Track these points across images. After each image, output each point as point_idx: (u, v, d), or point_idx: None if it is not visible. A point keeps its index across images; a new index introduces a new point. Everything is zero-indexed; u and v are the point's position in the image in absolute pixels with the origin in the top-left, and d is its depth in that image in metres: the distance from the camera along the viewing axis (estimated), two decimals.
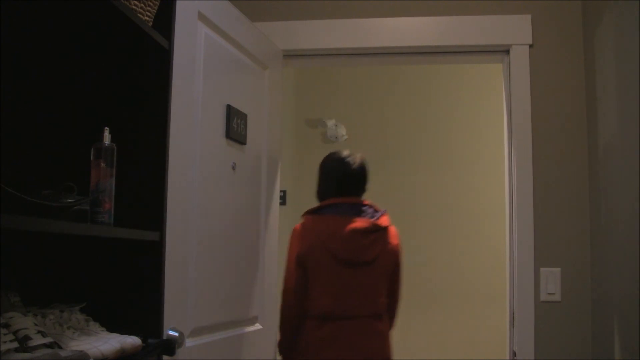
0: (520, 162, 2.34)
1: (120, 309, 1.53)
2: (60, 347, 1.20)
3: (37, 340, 1.16)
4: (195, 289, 1.74)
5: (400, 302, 2.53)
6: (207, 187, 1.83)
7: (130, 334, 1.39)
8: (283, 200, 3.60)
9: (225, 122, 1.94)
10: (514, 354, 2.29)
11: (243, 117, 2.05)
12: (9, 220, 0.99)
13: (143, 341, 1.44)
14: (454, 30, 2.42)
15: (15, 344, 1.13)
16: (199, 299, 1.76)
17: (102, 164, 1.37)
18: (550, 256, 2.30)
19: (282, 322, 2.33)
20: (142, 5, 1.49)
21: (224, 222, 1.93)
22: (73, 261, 1.58)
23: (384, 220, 2.38)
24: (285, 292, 2.34)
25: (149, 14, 1.53)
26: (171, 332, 1.56)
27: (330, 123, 4.08)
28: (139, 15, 1.47)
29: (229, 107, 1.95)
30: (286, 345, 2.36)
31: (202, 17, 1.81)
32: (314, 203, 2.52)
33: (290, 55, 2.53)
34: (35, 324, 1.21)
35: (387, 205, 3.98)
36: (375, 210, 2.41)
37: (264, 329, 2.19)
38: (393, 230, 2.44)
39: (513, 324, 2.31)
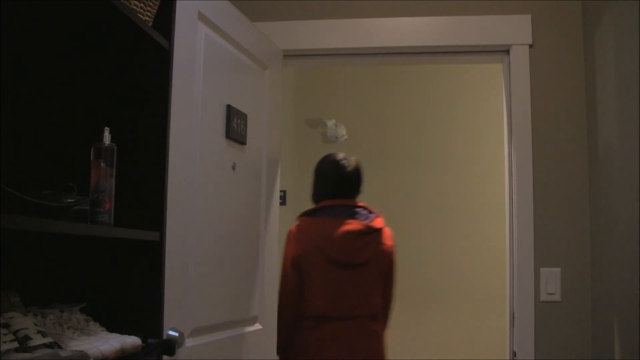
0: (520, 162, 2.34)
1: (120, 309, 1.53)
2: (60, 347, 1.20)
3: (37, 340, 1.16)
4: (195, 289, 1.74)
5: (393, 303, 2.55)
6: (207, 187, 1.83)
7: (130, 334, 1.39)
8: (283, 200, 3.60)
9: (225, 122, 1.94)
10: (514, 354, 2.29)
11: (243, 117, 2.05)
12: (9, 220, 0.99)
13: (143, 341, 1.44)
14: (454, 30, 2.42)
15: (15, 344, 1.13)
16: (199, 299, 1.76)
17: (102, 164, 1.37)
18: (550, 256, 2.30)
19: (279, 323, 2.34)
20: (142, 5, 1.49)
21: (224, 222, 1.93)
22: (73, 261, 1.58)
23: (377, 222, 2.41)
24: (281, 294, 2.37)
25: (149, 14, 1.53)
26: (171, 332, 1.56)
27: (330, 123, 4.08)
28: (139, 15, 1.47)
29: (229, 107, 1.95)
30: (283, 346, 2.37)
31: (202, 17, 1.81)
32: (313, 203, 2.53)
33: (290, 55, 2.53)
34: (35, 324, 1.21)
35: (387, 205, 4.02)
36: (370, 212, 2.45)
37: (264, 329, 2.19)
38: (387, 231, 2.46)
39: (513, 324, 2.31)
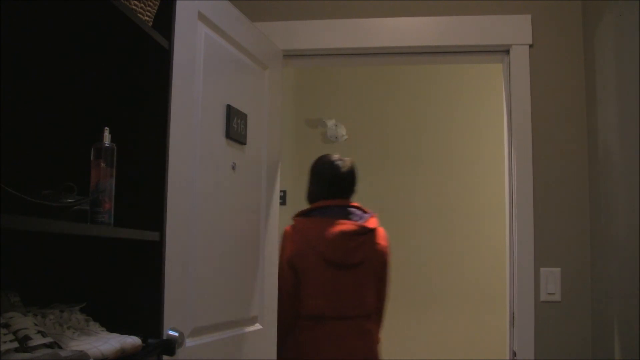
0: (520, 162, 2.34)
1: (120, 309, 1.53)
2: (60, 347, 1.20)
3: (37, 340, 1.16)
4: (195, 289, 1.74)
5: (387, 302, 2.58)
6: (207, 187, 1.83)
7: (130, 334, 1.39)
8: (283, 200, 3.60)
9: (225, 122, 1.94)
10: (514, 354, 2.29)
11: (243, 117, 2.05)
12: (9, 220, 0.99)
13: (143, 341, 1.44)
14: (454, 30, 2.42)
15: (15, 344, 1.13)
16: (199, 299, 1.76)
17: (102, 164, 1.37)
18: (550, 256, 2.30)
19: (277, 323, 2.34)
20: (142, 5, 1.49)
21: (224, 222, 1.93)
22: (73, 261, 1.58)
23: (371, 223, 2.43)
24: (277, 293, 2.37)
25: (149, 14, 1.53)
26: (171, 332, 1.56)
27: (330, 123, 4.08)
28: (139, 15, 1.47)
29: (229, 107, 1.95)
30: (280, 345, 2.38)
31: (202, 17, 1.81)
32: (308, 203, 2.55)
33: (290, 55, 2.53)
34: (35, 324, 1.21)
35: (387, 205, 4.02)
36: (364, 212, 2.47)
37: (264, 329, 2.19)
38: (381, 231, 2.49)
39: (513, 324, 2.31)
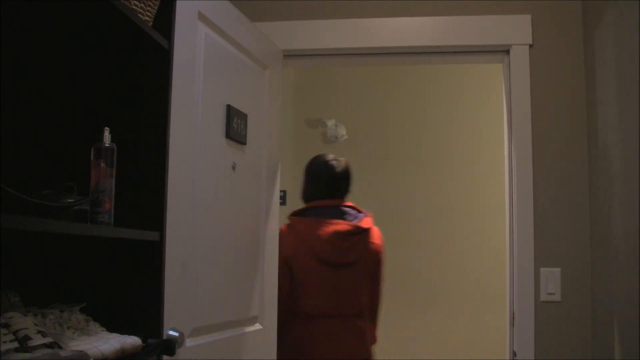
0: (520, 162, 2.34)
1: (120, 309, 1.53)
2: (60, 347, 1.20)
3: (37, 340, 1.16)
4: (195, 289, 1.74)
5: (382, 300, 2.59)
6: (207, 187, 1.83)
7: (130, 334, 1.39)
8: (283, 200, 3.60)
9: (225, 122, 1.94)
10: (514, 354, 2.29)
11: (243, 117, 2.05)
12: (9, 220, 0.99)
13: (143, 341, 1.44)
14: (454, 30, 2.42)
15: (15, 344, 1.13)
16: (199, 299, 1.76)
17: (102, 164, 1.37)
18: (550, 256, 2.30)
19: None
20: (142, 5, 1.49)
21: (224, 222, 1.93)
22: (73, 261, 1.58)
23: (366, 222, 2.45)
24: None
25: (149, 14, 1.53)
26: (171, 332, 1.56)
27: (330, 123, 4.08)
28: (139, 15, 1.47)
29: (229, 107, 1.95)
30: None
31: (202, 17, 1.81)
32: (303, 203, 2.56)
33: (290, 55, 2.53)
34: (35, 324, 1.21)
35: (387, 205, 4.02)
36: (359, 212, 2.50)
37: (264, 329, 2.19)
38: (376, 231, 2.52)
39: (513, 324, 2.31)
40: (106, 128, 1.40)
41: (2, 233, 1.36)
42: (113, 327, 1.45)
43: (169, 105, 1.60)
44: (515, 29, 2.39)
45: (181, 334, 1.57)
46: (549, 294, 2.28)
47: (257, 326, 2.16)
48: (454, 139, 4.03)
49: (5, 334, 1.13)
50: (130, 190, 1.54)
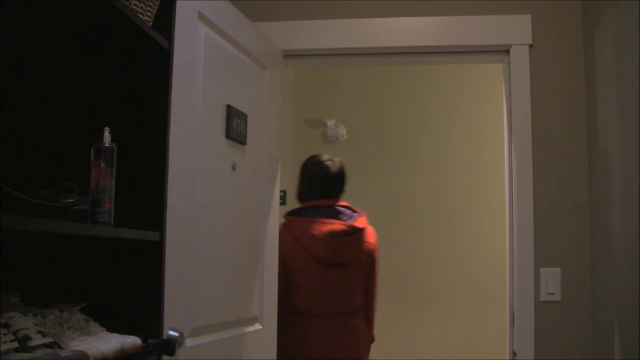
0: (520, 162, 2.34)
1: (120, 309, 1.53)
2: (60, 347, 1.20)
3: (37, 340, 1.16)
4: (195, 289, 1.74)
5: (377, 299, 2.61)
6: (207, 187, 1.83)
7: (130, 334, 1.39)
8: (283, 200, 3.60)
9: (225, 122, 1.94)
10: (514, 354, 2.29)
11: (243, 117, 2.05)
12: (9, 220, 0.99)
13: (143, 341, 1.44)
14: (454, 30, 2.42)
15: (15, 344, 1.13)
16: (199, 299, 1.76)
17: (102, 164, 1.37)
18: (550, 256, 2.30)
19: None
20: (142, 5, 1.49)
21: (224, 222, 1.93)
22: (73, 261, 1.58)
23: (360, 222, 2.48)
24: None
25: (149, 14, 1.53)
26: (171, 332, 1.56)
27: (330, 123, 4.08)
28: (139, 15, 1.47)
29: (229, 107, 1.95)
30: None
31: (202, 17, 1.81)
32: (299, 202, 2.58)
33: (290, 55, 2.53)
34: (35, 324, 1.21)
35: (387, 205, 4.02)
36: (353, 212, 2.53)
37: (263, 329, 2.19)
38: (370, 230, 2.55)
39: (513, 324, 2.31)
40: (106, 128, 1.40)
41: (2, 233, 1.36)
42: (113, 327, 1.45)
43: (169, 105, 1.60)
44: (515, 29, 2.39)
45: (181, 334, 1.57)
46: (549, 294, 2.28)
47: (257, 326, 2.16)
48: (454, 139, 4.03)
49: (5, 334, 1.13)
50: (130, 190, 1.54)
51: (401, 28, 2.45)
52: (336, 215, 2.47)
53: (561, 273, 2.29)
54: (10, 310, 1.23)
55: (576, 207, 2.31)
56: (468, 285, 3.90)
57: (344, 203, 2.54)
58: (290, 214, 2.54)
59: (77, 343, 1.27)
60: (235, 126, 1.99)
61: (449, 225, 3.97)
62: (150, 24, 1.55)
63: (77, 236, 1.52)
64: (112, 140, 1.40)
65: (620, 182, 1.97)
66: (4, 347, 1.10)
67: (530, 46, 2.39)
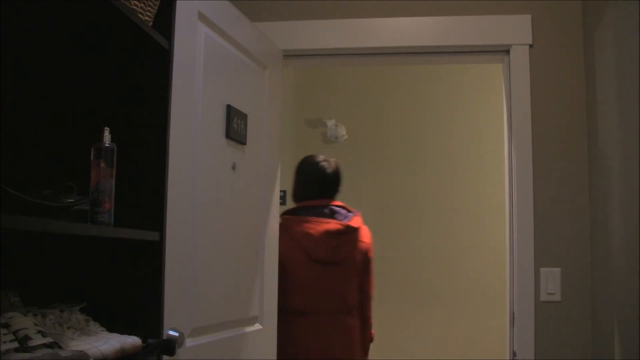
0: (520, 162, 2.34)
1: (120, 309, 1.53)
2: (60, 347, 1.20)
3: (37, 340, 1.16)
4: (195, 289, 1.74)
5: (372, 297, 2.62)
6: (207, 187, 1.83)
7: (130, 334, 1.39)
8: (283, 200, 3.60)
9: (225, 122, 1.94)
10: (514, 354, 2.29)
11: (243, 117, 2.05)
12: (9, 220, 0.99)
13: (143, 341, 1.44)
14: (454, 30, 2.42)
15: (15, 344, 1.13)
16: (199, 299, 1.76)
17: (102, 164, 1.37)
18: (550, 256, 2.30)
19: None
20: (142, 5, 1.49)
21: (224, 222, 1.93)
22: (73, 261, 1.58)
23: (355, 222, 2.51)
24: None
25: (149, 14, 1.53)
26: (171, 332, 1.56)
27: (330, 123, 4.08)
28: (139, 15, 1.47)
29: (229, 107, 1.95)
30: None
31: (202, 17, 1.81)
32: (294, 202, 2.61)
33: (290, 55, 2.53)
34: (35, 324, 1.21)
35: (387, 205, 4.02)
36: (348, 212, 2.55)
37: (263, 329, 2.19)
38: (365, 229, 2.59)
39: (513, 324, 2.31)
40: (106, 128, 1.40)
41: (2, 233, 1.36)
42: (113, 327, 1.45)
43: (169, 105, 1.60)
44: (515, 29, 2.39)
45: (181, 334, 1.57)
46: (549, 294, 2.28)
47: (257, 326, 2.16)
48: (454, 138, 4.03)
49: (5, 334, 1.13)
50: (130, 190, 1.54)
51: (401, 28, 2.45)
52: (332, 214, 2.50)
53: (561, 273, 2.29)
54: (10, 310, 1.23)
55: (576, 207, 2.31)
56: (468, 285, 3.90)
57: (339, 203, 2.57)
58: (286, 213, 2.56)
59: (77, 343, 1.27)
60: (235, 126, 1.99)
61: (449, 225, 3.97)
62: (150, 24, 1.55)
63: (77, 236, 1.52)
64: (112, 140, 1.40)
65: (620, 182, 1.97)
66: (4, 347, 1.10)
67: (530, 46, 2.39)
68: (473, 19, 2.42)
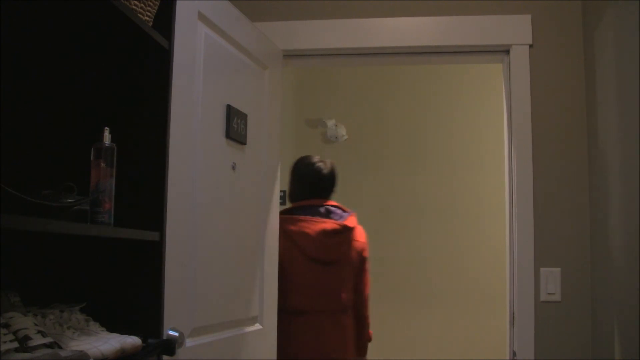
0: (520, 162, 2.34)
1: (120, 309, 1.53)
2: (60, 347, 1.20)
3: (37, 340, 1.16)
4: (195, 289, 1.74)
5: (368, 296, 2.62)
6: (207, 187, 1.83)
7: (130, 334, 1.39)
8: (283, 200, 3.59)
9: (225, 122, 1.94)
10: (514, 354, 2.29)
11: (243, 117, 2.05)
12: (9, 220, 0.99)
13: (143, 341, 1.44)
14: (454, 30, 2.42)
15: (15, 344, 1.13)
16: (199, 299, 1.76)
17: (102, 164, 1.37)
18: (550, 256, 2.30)
19: None
20: (142, 5, 1.49)
21: (224, 222, 1.93)
22: (73, 261, 1.58)
23: (350, 221, 2.53)
24: None
25: (149, 14, 1.53)
26: (171, 332, 1.56)
27: (330, 123, 4.08)
28: (139, 15, 1.47)
29: (229, 107, 1.95)
30: None
31: (202, 17, 1.81)
32: (290, 202, 2.64)
33: (290, 55, 2.53)
34: (35, 324, 1.21)
35: (387, 205, 4.01)
36: (344, 211, 2.58)
37: (263, 329, 2.19)
38: (360, 229, 2.61)
39: (513, 324, 2.31)
40: (106, 128, 1.40)
41: (2, 233, 1.36)
42: (113, 327, 1.45)
43: (169, 105, 1.60)
44: (515, 29, 2.39)
45: (181, 334, 1.57)
46: (549, 294, 2.28)
47: (257, 326, 2.16)
48: (454, 138, 4.03)
49: (5, 334, 1.13)
50: (130, 190, 1.54)
51: (401, 28, 2.45)
52: (328, 214, 2.52)
53: (561, 273, 2.29)
54: (10, 310, 1.23)
55: (576, 207, 2.31)
56: (468, 285, 3.90)
57: (334, 203, 2.58)
58: (283, 213, 2.57)
59: (77, 343, 1.27)
60: (235, 126, 1.99)
61: (449, 225, 3.97)
62: (150, 24, 1.55)
63: (77, 236, 1.52)
64: (112, 140, 1.40)
65: (620, 182, 1.97)
66: (4, 347, 1.10)
67: (530, 46, 2.39)
68: (473, 19, 2.42)
